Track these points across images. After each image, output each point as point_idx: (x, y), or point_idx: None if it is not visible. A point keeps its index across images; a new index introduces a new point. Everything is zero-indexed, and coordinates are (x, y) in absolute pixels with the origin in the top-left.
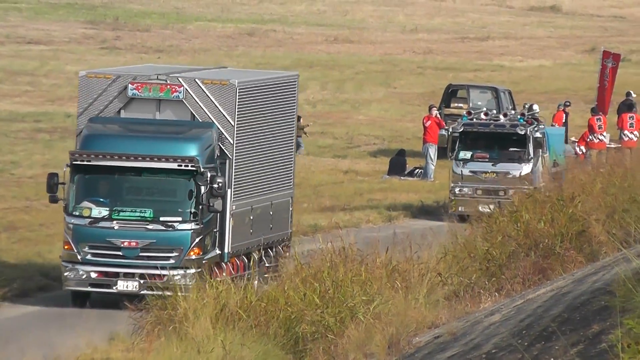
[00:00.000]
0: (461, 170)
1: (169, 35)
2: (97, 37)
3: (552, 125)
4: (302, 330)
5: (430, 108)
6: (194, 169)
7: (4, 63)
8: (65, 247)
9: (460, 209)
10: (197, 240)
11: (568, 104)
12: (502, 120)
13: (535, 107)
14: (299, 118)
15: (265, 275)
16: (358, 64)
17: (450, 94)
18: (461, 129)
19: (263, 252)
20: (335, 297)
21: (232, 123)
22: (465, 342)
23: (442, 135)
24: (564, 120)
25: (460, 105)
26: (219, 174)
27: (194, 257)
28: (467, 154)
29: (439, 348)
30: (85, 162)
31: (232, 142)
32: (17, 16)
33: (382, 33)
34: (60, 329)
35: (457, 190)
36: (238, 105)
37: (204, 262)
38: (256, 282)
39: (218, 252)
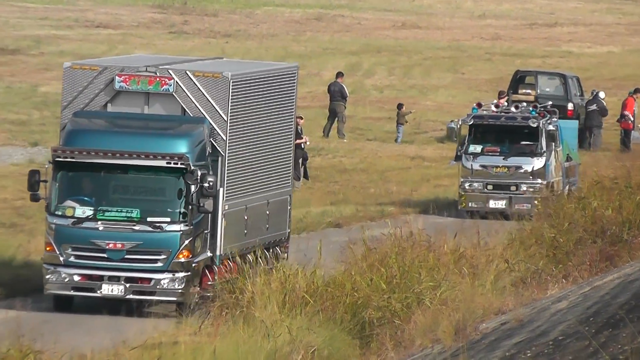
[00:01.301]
0: (471, 165)
1: (237, 20)
2: (165, 21)
3: (623, 112)
4: (369, 315)
5: (500, 94)
6: (183, 166)
7: (72, 47)
8: (47, 248)
9: (470, 205)
10: (187, 242)
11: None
12: (513, 113)
13: (602, 94)
14: (400, 105)
15: None
16: (426, 50)
17: (518, 80)
18: (471, 122)
19: (259, 254)
20: (402, 283)
21: (225, 118)
22: (531, 329)
23: (451, 129)
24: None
25: (528, 91)
26: (210, 172)
27: (182, 260)
28: (477, 148)
29: (506, 334)
30: (68, 159)
31: (224, 138)
32: (86, 0)
33: (450, 19)
34: (128, 313)
35: (466, 185)
36: (231, 99)
37: (193, 265)
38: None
39: (209, 254)
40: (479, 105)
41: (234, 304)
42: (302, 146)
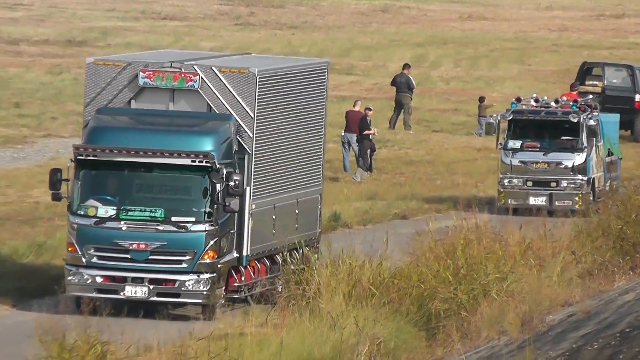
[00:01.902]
0: (510, 161)
1: (303, 12)
2: (232, 13)
3: None
4: (435, 307)
5: (572, 87)
6: (208, 165)
7: (139, 39)
8: (69, 249)
9: (509, 202)
10: (212, 242)
11: None
12: (553, 107)
13: None
14: (482, 99)
15: None
16: (492, 41)
17: (585, 71)
18: (510, 117)
19: (288, 254)
20: (469, 275)
21: (252, 115)
22: (598, 321)
23: (490, 124)
24: None
25: (595, 82)
26: (237, 171)
27: (208, 260)
28: (516, 143)
29: (572, 326)
30: (90, 157)
31: (251, 135)
32: None
33: (517, 10)
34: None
35: (506, 181)
36: (258, 95)
37: (219, 266)
38: (280, 286)
39: (236, 255)
40: (518, 99)
41: (301, 295)
42: (370, 137)
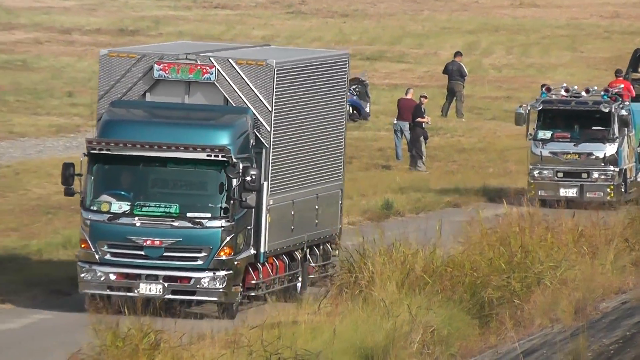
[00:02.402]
0: (540, 151)
1: (355, 0)
2: (283, 1)
3: None
4: (488, 295)
5: (616, 73)
6: (224, 159)
7: (190, 27)
8: (82, 245)
9: (540, 193)
10: (228, 239)
11: None
12: (584, 97)
13: None
14: (547, 88)
15: (311, 276)
16: (544, 28)
17: (638, 58)
18: (540, 107)
19: (308, 251)
20: (522, 263)
21: (270, 108)
22: None
23: (519, 114)
24: None
25: None
26: (253, 165)
27: (224, 257)
28: (546, 134)
29: (626, 314)
30: (104, 152)
31: (269, 129)
32: None
33: None
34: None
35: (536, 173)
36: (276, 88)
37: (235, 263)
38: (299, 284)
39: (253, 252)
40: (548, 89)
41: (354, 283)
42: (424, 125)
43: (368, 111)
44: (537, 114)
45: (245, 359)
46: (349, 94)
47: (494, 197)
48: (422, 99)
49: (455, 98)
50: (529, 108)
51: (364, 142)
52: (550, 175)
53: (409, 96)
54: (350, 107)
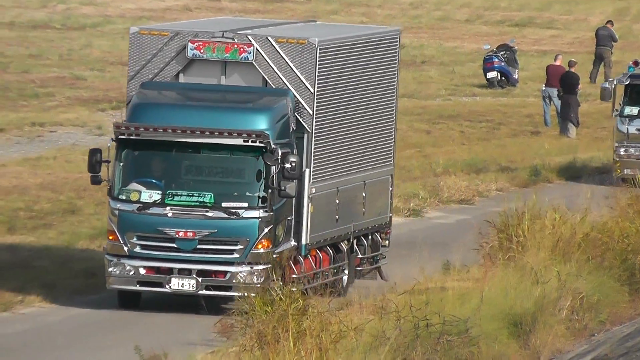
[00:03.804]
0: (627, 128)
1: None
2: None
3: None
4: (639, 262)
5: None
6: (262, 145)
7: None
8: (110, 237)
9: (625, 172)
10: (266, 230)
11: None
12: None
13: None
14: None
15: (359, 268)
16: None
17: None
18: (627, 82)
19: (355, 242)
20: None
21: (312, 90)
22: None
23: (605, 89)
24: None
25: None
26: (294, 152)
27: (262, 250)
28: (633, 110)
29: None
30: (133, 137)
31: (311, 112)
32: None
33: None
34: (393, 257)
35: (621, 150)
36: (319, 68)
37: (274, 256)
38: (345, 277)
39: (293, 243)
40: (636, 63)
41: (505, 249)
42: (577, 92)
43: (516, 77)
44: (623, 89)
45: (393, 325)
46: (497, 60)
47: None
48: (572, 63)
49: (603, 64)
50: (615, 83)
51: (512, 108)
52: (636, 153)
53: (557, 62)
54: (499, 74)
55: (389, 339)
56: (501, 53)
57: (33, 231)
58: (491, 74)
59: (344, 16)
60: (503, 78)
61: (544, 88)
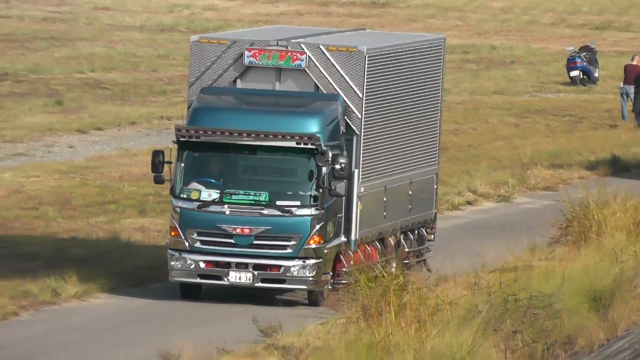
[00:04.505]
0: None
1: None
2: None
3: None
4: None
5: None
6: (314, 147)
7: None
8: (172, 233)
9: None
10: (318, 227)
11: None
12: None
13: None
14: None
15: (406, 261)
16: None
17: None
18: None
19: (402, 236)
20: None
21: (360, 95)
22: None
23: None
24: None
25: None
26: (344, 153)
27: (313, 245)
28: None
29: None
30: (193, 139)
31: (359, 116)
32: None
33: None
34: (484, 239)
35: None
36: (367, 74)
37: (325, 251)
38: (393, 269)
39: (344, 239)
40: None
41: (586, 232)
42: None
43: (597, 76)
44: None
45: (484, 299)
46: (579, 60)
47: None
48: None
49: None
50: None
51: (592, 104)
52: None
53: (634, 62)
54: (581, 73)
55: (481, 312)
56: (583, 54)
57: (161, 214)
58: (574, 73)
59: (440, 20)
60: (585, 76)
61: (621, 85)
